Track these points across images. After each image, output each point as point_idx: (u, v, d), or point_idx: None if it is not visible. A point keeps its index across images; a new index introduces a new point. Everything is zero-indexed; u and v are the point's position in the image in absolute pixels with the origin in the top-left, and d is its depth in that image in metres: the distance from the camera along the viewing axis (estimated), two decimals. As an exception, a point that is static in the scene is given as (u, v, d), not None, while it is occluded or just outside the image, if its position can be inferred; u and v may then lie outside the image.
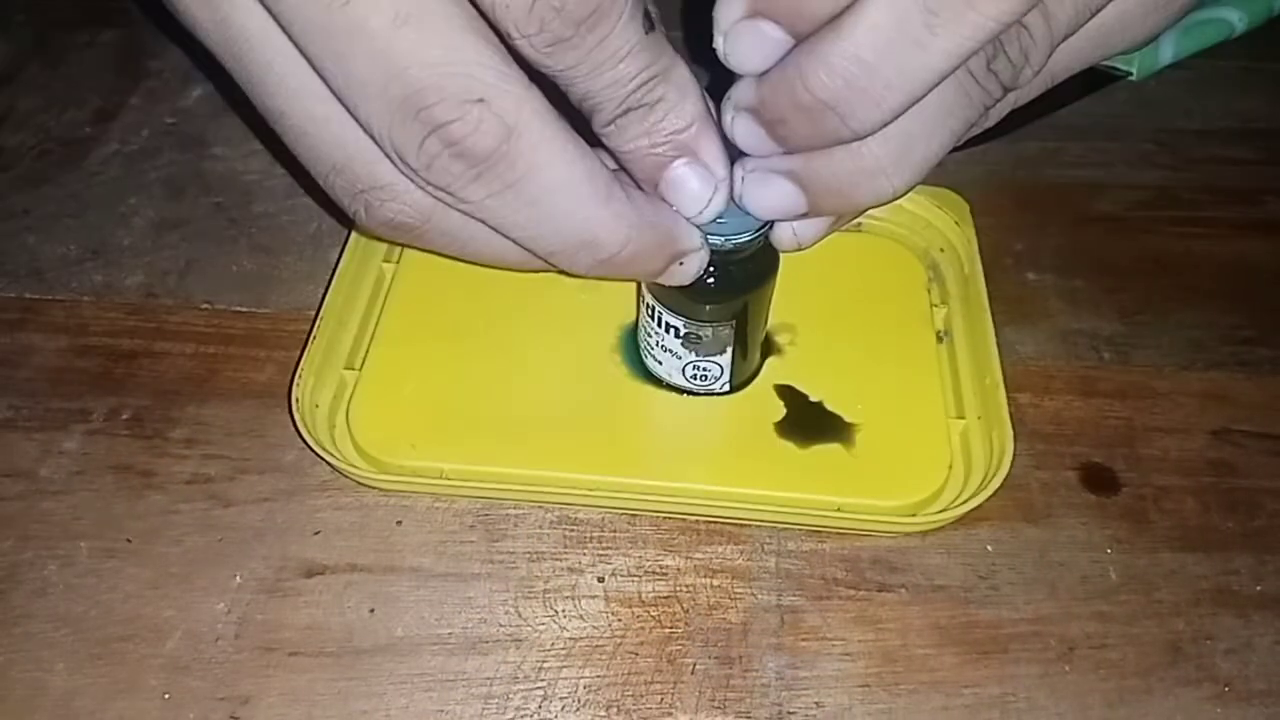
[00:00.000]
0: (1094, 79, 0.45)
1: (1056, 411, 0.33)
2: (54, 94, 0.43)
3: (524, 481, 0.30)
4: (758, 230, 0.26)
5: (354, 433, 0.31)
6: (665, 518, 0.30)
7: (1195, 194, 0.40)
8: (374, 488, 0.30)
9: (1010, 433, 0.30)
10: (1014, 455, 0.29)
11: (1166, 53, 0.45)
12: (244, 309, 0.35)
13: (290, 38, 0.20)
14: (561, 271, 0.24)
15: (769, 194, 0.24)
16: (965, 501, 0.29)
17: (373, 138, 0.21)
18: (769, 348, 0.33)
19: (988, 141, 0.42)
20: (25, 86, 0.44)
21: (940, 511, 0.29)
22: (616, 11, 0.20)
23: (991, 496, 0.28)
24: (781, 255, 0.29)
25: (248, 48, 0.21)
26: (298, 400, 0.30)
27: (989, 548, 0.29)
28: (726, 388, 0.31)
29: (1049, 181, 0.41)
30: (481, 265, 0.25)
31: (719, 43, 0.22)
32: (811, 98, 0.20)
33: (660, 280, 0.25)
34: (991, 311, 0.35)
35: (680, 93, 0.22)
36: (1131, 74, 0.45)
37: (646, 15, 0.21)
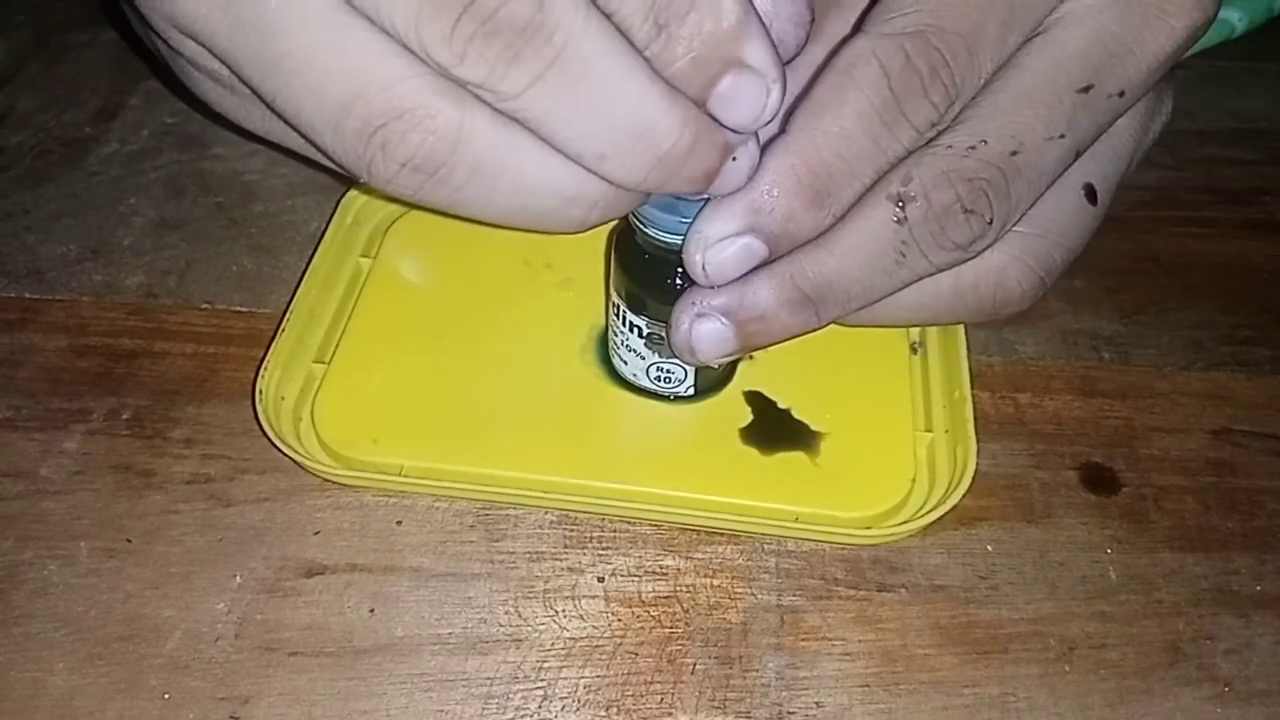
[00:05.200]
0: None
1: (1056, 411, 0.33)
2: (54, 94, 0.43)
3: (480, 480, 0.29)
4: None
5: (318, 427, 0.31)
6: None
7: (1195, 194, 0.40)
8: (334, 482, 0.30)
9: (974, 448, 0.29)
10: (976, 471, 0.29)
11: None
12: (244, 309, 0.35)
13: None
14: (551, 232, 0.22)
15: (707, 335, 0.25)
16: (923, 515, 0.28)
17: (398, 39, 0.19)
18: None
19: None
20: (25, 86, 0.44)
21: (899, 524, 0.29)
22: None
23: (950, 511, 0.28)
24: None
25: None
26: (261, 392, 0.30)
27: (989, 548, 0.29)
28: (691, 390, 0.31)
29: (1049, 181, 0.41)
30: (503, 220, 0.22)
31: (698, 256, 0.23)
32: (799, 295, 0.24)
33: (715, 187, 0.22)
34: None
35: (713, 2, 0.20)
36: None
37: None
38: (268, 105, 0.22)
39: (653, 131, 0.20)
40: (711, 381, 0.32)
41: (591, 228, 0.23)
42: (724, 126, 0.21)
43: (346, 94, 0.20)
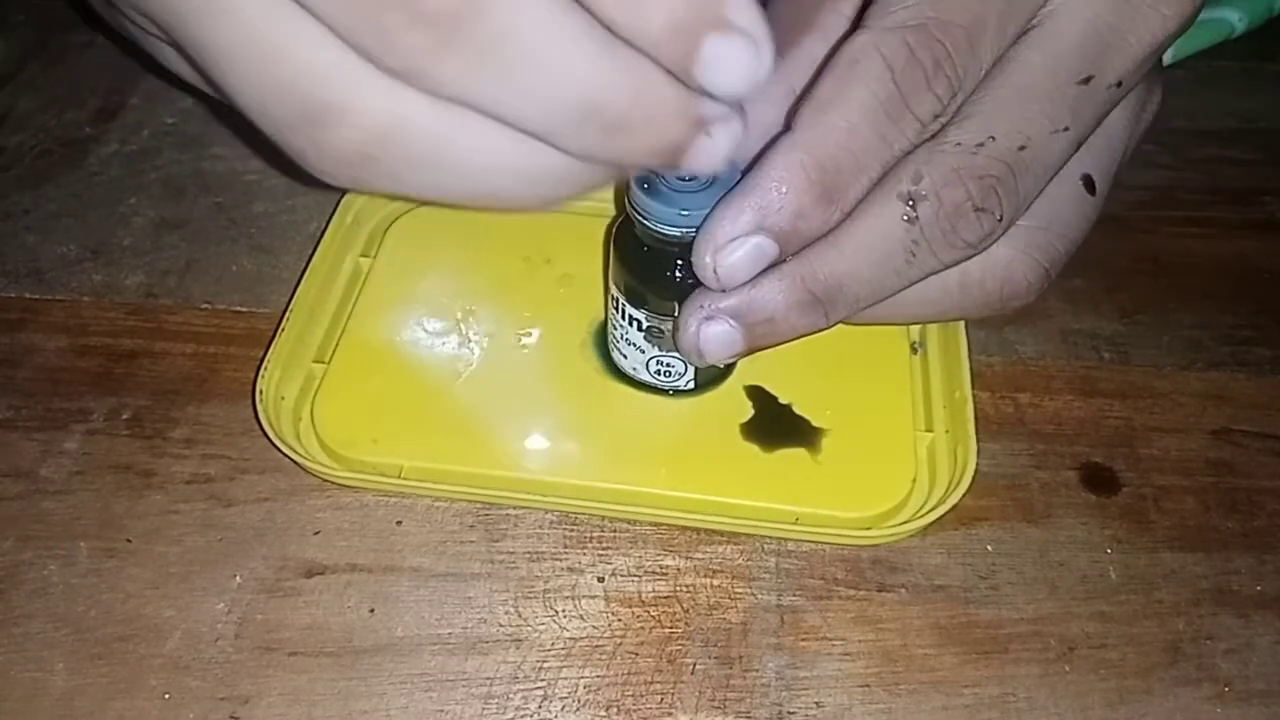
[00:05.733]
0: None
1: (1056, 411, 0.33)
2: (54, 94, 0.43)
3: (480, 481, 0.29)
4: None
5: (318, 427, 0.31)
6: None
7: (1195, 194, 0.40)
8: (334, 482, 0.30)
9: (974, 448, 0.29)
10: (976, 471, 0.29)
11: (1166, 53, 0.45)
12: (244, 309, 0.35)
13: None
14: (530, 205, 0.21)
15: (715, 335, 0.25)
16: (923, 515, 0.28)
17: (325, 24, 0.18)
18: None
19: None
20: (25, 86, 0.44)
21: (900, 524, 0.29)
22: None
23: (950, 510, 0.28)
24: None
25: None
26: (261, 392, 0.30)
27: (989, 548, 0.29)
28: (692, 385, 0.31)
29: (1049, 181, 0.41)
30: (463, 202, 0.21)
31: (708, 258, 0.23)
32: (810, 296, 0.24)
33: (686, 163, 0.21)
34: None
35: None
36: (1131, 74, 0.45)
37: None
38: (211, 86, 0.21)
39: (602, 103, 0.19)
40: (711, 375, 0.32)
41: (570, 200, 0.21)
42: (711, 96, 0.20)
43: (273, 84, 0.19)
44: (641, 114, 0.19)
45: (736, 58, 0.19)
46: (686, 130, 0.20)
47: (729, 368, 0.32)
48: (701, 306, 0.25)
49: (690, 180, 0.26)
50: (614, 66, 0.19)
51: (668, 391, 0.31)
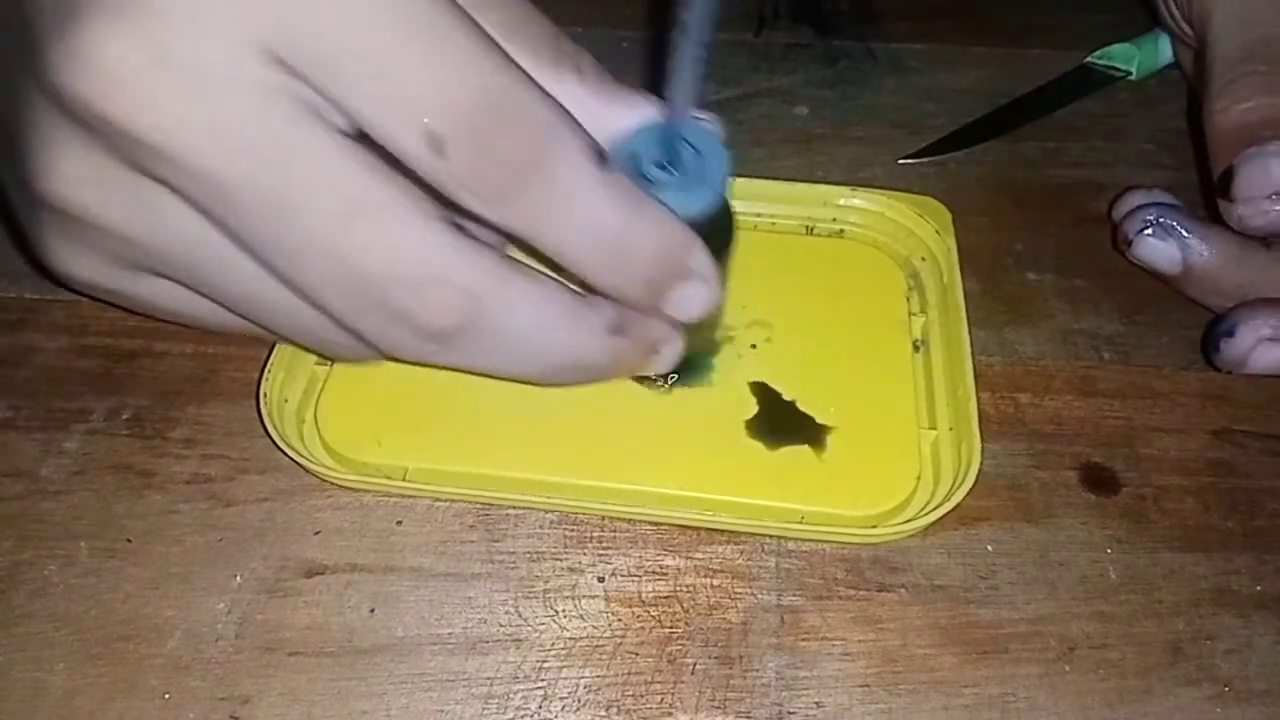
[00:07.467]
0: (1094, 79, 0.45)
1: (1056, 411, 0.33)
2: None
3: (484, 483, 0.29)
4: (706, 205, 0.26)
5: (321, 429, 0.31)
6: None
7: (1195, 194, 0.40)
8: (339, 485, 0.30)
9: (979, 447, 0.29)
10: (980, 468, 0.29)
11: (1166, 53, 0.45)
12: (244, 309, 0.35)
13: (242, 248, 0.21)
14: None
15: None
16: (929, 512, 0.28)
17: (337, 324, 0.22)
18: (736, 341, 0.33)
19: (987, 141, 0.42)
20: (25, 86, 0.44)
21: (905, 522, 0.29)
22: (559, 151, 0.21)
23: (953, 510, 0.28)
24: (738, 241, 0.29)
25: (183, 249, 0.22)
26: (265, 395, 0.30)
27: (989, 548, 0.29)
28: (675, 376, 0.31)
29: (1049, 181, 0.41)
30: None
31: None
32: None
33: (638, 372, 0.28)
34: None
35: (660, 228, 0.24)
36: (1131, 74, 0.45)
37: (600, 153, 0.22)
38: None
39: (583, 366, 0.25)
40: (698, 368, 0.32)
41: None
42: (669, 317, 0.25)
43: (292, 329, 0.25)
44: (612, 365, 0.26)
45: (697, 295, 0.25)
46: (644, 359, 0.27)
47: (702, 363, 0.32)
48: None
49: (672, 176, 0.26)
50: (594, 342, 0.25)
51: (653, 378, 0.31)
